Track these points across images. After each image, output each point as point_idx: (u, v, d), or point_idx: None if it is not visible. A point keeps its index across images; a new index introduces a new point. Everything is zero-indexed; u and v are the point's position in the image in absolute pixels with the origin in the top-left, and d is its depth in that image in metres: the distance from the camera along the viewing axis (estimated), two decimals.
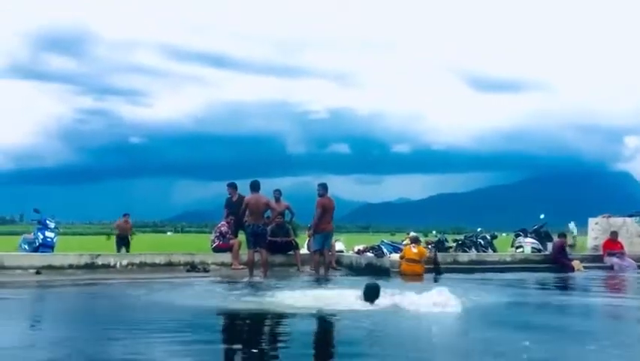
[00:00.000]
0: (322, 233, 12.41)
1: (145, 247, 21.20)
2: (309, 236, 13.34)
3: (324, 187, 12.64)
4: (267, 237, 12.18)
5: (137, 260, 12.51)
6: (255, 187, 12.01)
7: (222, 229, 13.59)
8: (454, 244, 16.98)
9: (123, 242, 18.41)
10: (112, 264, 12.23)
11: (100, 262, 12.15)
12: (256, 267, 11.79)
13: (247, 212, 11.84)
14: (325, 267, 12.35)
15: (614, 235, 16.08)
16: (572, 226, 18.21)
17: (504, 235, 22.88)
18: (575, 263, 14.63)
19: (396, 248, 14.72)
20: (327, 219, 12.47)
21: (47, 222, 13.43)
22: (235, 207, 13.69)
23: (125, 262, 12.35)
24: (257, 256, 11.89)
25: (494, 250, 16.87)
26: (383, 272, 12.67)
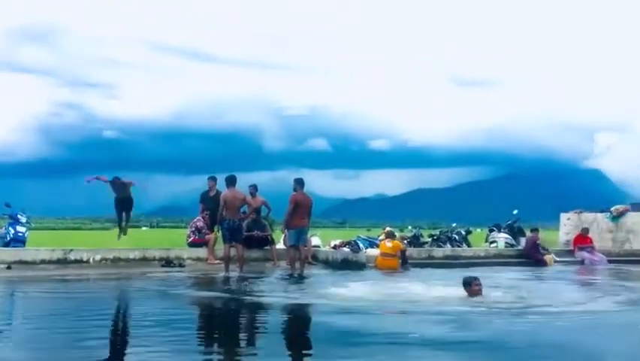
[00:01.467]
0: (296, 229, 12.37)
1: (119, 242, 20.97)
2: (281, 232, 13.33)
3: (298, 183, 12.60)
4: (242, 232, 12.18)
5: (110, 255, 12.36)
6: (231, 182, 11.98)
7: (198, 223, 13.53)
8: (430, 240, 17.16)
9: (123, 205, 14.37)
10: (85, 259, 12.07)
11: (72, 258, 11.98)
12: (232, 262, 11.77)
13: (224, 207, 11.81)
14: (300, 262, 12.37)
15: (585, 230, 16.40)
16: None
17: (479, 230, 23.16)
18: (548, 258, 14.90)
19: (372, 243, 14.82)
20: (301, 214, 12.41)
21: (19, 216, 13.19)
22: (212, 202, 13.63)
23: (98, 258, 12.20)
24: (233, 251, 11.87)
25: (469, 246, 17.10)
26: (359, 267, 12.74)
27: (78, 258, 12.02)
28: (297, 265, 12.28)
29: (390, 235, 13.47)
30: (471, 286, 8.09)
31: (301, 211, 12.40)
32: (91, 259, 12.10)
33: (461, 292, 8.14)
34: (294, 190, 12.56)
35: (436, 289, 8.96)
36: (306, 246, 13.03)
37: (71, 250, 12.28)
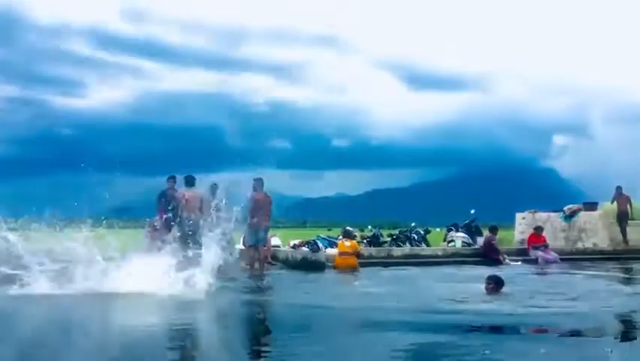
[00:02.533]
0: (255, 229, 12.30)
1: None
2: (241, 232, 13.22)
3: (258, 182, 12.53)
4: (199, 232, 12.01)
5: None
6: (190, 182, 11.83)
7: (156, 224, 13.26)
8: (389, 239, 17.30)
9: None
10: None
11: None
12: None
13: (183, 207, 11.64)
14: (260, 262, 12.29)
15: (539, 229, 16.79)
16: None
17: (437, 229, 23.46)
18: (503, 257, 15.18)
19: (331, 243, 14.85)
20: (260, 214, 12.34)
21: None
22: (171, 202, 13.40)
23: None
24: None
25: (427, 245, 17.31)
26: (318, 266, 12.74)
27: None
28: (257, 265, 12.19)
29: (347, 235, 13.53)
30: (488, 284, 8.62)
31: (260, 211, 12.30)
32: None
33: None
34: (254, 190, 12.46)
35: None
36: (265, 246, 12.95)
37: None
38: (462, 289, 9.26)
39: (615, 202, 17.90)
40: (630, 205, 17.73)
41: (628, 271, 13.93)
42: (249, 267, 12.26)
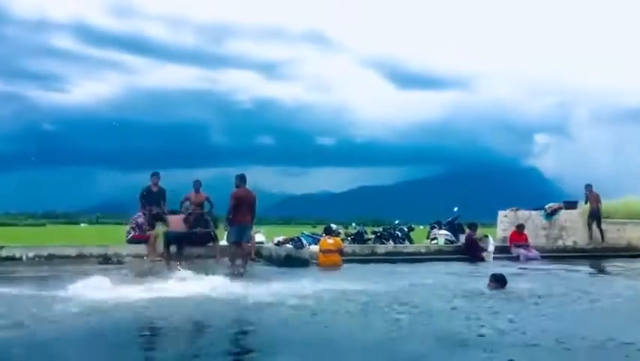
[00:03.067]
0: (238, 225, 12.27)
1: (56, 238, 20.22)
2: (224, 229, 13.22)
3: (240, 178, 12.48)
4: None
5: (45, 252, 11.93)
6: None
7: (139, 220, 13.24)
8: (373, 236, 17.39)
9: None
10: (17, 256, 11.60)
11: (4, 254, 11.49)
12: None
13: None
14: (242, 259, 12.28)
15: (520, 227, 16.98)
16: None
17: (421, 227, 23.61)
18: (485, 254, 15.34)
19: (315, 240, 14.88)
20: (243, 211, 12.31)
21: None
22: (154, 198, 13.40)
23: (31, 255, 11.74)
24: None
25: (411, 242, 17.42)
26: (302, 263, 12.78)
27: (10, 255, 11.54)
28: (239, 262, 12.19)
29: (329, 232, 13.58)
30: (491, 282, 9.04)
31: (243, 208, 12.29)
32: (24, 256, 11.63)
33: None
34: (236, 186, 12.46)
35: None
36: (249, 242, 12.95)
37: (2, 246, 11.77)
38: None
39: (588, 202, 18.12)
40: (599, 204, 17.93)
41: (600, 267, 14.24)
42: (230, 264, 12.26)
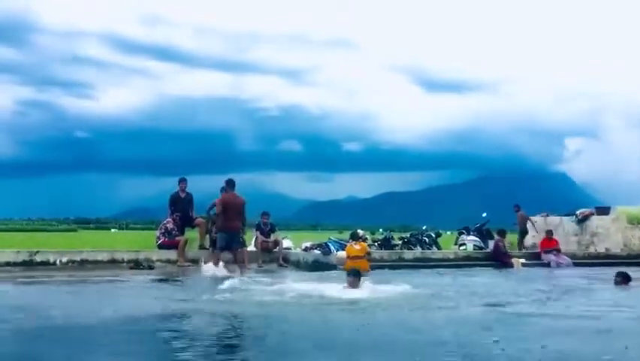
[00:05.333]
0: (227, 232, 11.98)
1: (88, 243, 20.68)
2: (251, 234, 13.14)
3: (227, 184, 12.29)
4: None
5: (78, 257, 12.15)
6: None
7: (168, 225, 13.39)
8: (400, 242, 17.32)
9: None
10: (51, 261, 11.84)
11: (38, 260, 11.75)
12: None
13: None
14: (239, 267, 12.06)
15: (550, 233, 16.73)
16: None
17: (448, 233, 23.46)
18: (515, 261, 15.15)
19: (342, 246, 14.87)
20: (230, 217, 12.01)
21: None
22: (183, 204, 13.56)
23: (65, 260, 11.98)
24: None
25: (438, 248, 17.30)
26: (329, 269, 12.78)
27: (44, 260, 11.78)
28: (232, 267, 11.96)
29: (355, 237, 13.55)
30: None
31: (230, 213, 12.01)
32: (57, 261, 11.87)
33: None
34: (224, 191, 12.37)
35: None
36: (240, 249, 12.65)
37: (37, 251, 12.03)
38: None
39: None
40: (527, 221, 18.46)
41: None
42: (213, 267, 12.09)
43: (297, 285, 9.50)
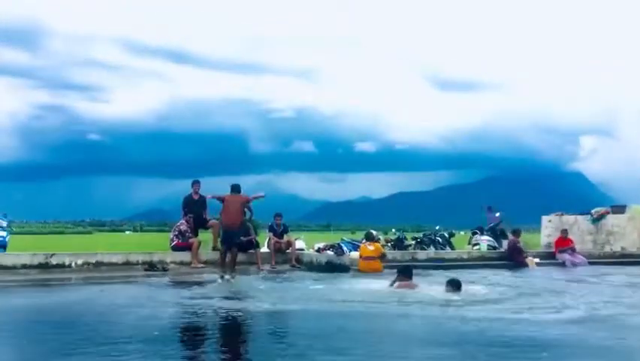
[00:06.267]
0: (226, 230, 12.67)
1: (103, 246, 20.86)
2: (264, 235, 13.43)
3: (232, 188, 12.98)
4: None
5: (93, 260, 12.27)
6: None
7: (181, 227, 13.45)
8: (413, 242, 17.24)
9: None
10: (67, 263, 11.96)
11: (54, 262, 11.87)
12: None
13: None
14: (229, 266, 12.37)
15: (565, 232, 16.58)
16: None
17: (462, 233, 23.34)
18: (529, 260, 15.04)
19: (355, 246, 14.85)
20: (229, 213, 12.61)
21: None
22: (196, 206, 13.63)
23: (80, 262, 12.09)
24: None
25: (452, 248, 17.20)
26: (343, 270, 12.77)
27: (60, 262, 11.90)
28: (227, 270, 12.21)
29: (369, 238, 13.50)
30: None
31: (228, 209, 12.59)
32: (73, 264, 11.99)
33: None
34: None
35: None
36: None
37: (53, 254, 12.15)
38: None
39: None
40: (499, 223, 18.41)
41: None
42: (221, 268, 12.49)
43: (357, 286, 9.87)
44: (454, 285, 8.90)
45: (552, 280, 11.95)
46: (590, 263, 15.40)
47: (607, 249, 17.61)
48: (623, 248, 17.47)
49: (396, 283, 9.22)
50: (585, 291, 10.04)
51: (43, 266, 11.69)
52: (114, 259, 12.44)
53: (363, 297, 8.71)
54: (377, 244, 13.31)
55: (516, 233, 15.80)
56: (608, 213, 18.41)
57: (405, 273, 9.34)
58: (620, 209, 18.62)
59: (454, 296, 8.52)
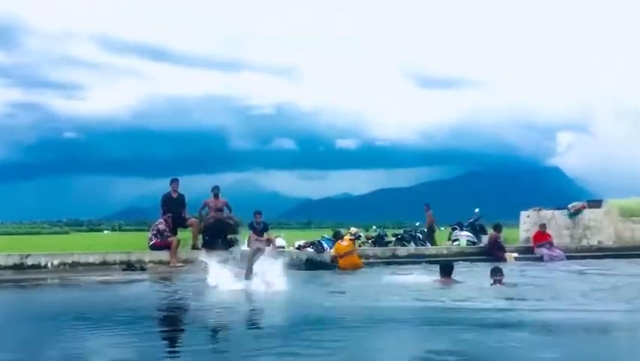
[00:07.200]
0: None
1: (80, 246, 20.51)
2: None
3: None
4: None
5: (69, 260, 12.06)
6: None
7: (160, 226, 13.31)
8: (394, 239, 17.31)
9: None
10: (42, 264, 11.75)
11: (29, 263, 11.65)
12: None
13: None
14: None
15: (543, 227, 16.76)
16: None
17: (442, 228, 23.45)
18: (508, 255, 15.17)
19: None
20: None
21: None
22: (175, 205, 13.49)
23: (56, 262, 11.89)
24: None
25: (432, 244, 17.30)
26: (323, 267, 12.75)
27: (35, 263, 11.69)
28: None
29: (337, 236, 13.61)
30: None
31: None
32: (49, 264, 11.78)
33: None
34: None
35: None
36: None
37: (28, 255, 11.93)
38: None
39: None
40: (432, 220, 19.43)
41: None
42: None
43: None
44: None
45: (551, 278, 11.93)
46: (568, 257, 15.59)
47: (584, 243, 17.84)
48: (599, 242, 17.72)
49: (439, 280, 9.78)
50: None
51: (19, 267, 11.47)
52: (91, 259, 12.25)
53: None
54: (347, 238, 13.40)
55: (497, 228, 15.93)
56: (584, 207, 18.64)
57: (446, 272, 9.82)
58: (596, 204, 18.88)
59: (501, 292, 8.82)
